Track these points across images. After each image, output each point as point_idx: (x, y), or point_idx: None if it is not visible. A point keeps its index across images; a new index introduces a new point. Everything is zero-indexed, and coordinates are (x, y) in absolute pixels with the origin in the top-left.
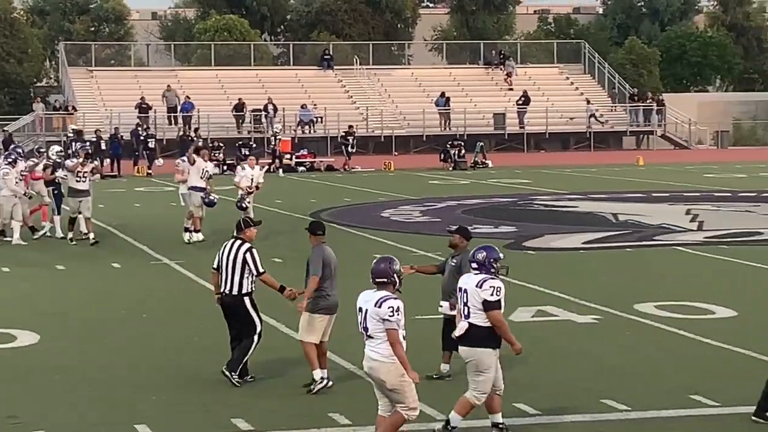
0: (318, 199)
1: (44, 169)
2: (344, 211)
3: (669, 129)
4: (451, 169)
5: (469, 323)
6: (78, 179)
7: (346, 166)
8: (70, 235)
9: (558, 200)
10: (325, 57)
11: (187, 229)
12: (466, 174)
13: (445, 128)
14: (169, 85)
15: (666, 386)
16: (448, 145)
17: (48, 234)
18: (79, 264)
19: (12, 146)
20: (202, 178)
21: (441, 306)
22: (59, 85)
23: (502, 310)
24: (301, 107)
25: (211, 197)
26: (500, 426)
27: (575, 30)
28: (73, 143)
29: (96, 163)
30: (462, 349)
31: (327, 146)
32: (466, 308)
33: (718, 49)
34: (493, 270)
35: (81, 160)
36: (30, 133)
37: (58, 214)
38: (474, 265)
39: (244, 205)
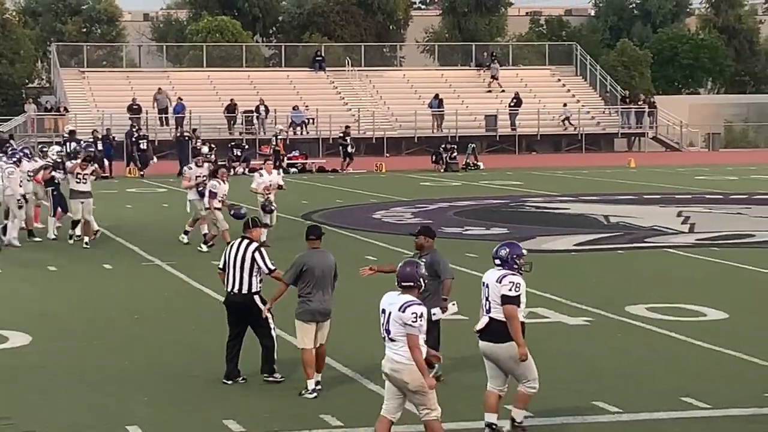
0: (310, 200)
1: (45, 169)
2: (336, 212)
3: (660, 131)
4: (442, 170)
5: (490, 318)
6: (78, 181)
7: (346, 168)
8: (77, 231)
9: (549, 202)
10: (317, 58)
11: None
12: (458, 176)
13: (438, 130)
14: (160, 88)
15: (657, 388)
16: (441, 149)
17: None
18: (71, 265)
19: (20, 147)
20: (221, 202)
21: (434, 314)
22: (51, 86)
23: (522, 308)
24: (293, 108)
25: (240, 210)
26: (493, 427)
27: (567, 32)
28: (68, 144)
29: (95, 165)
30: (485, 345)
31: (318, 148)
32: (487, 303)
33: (710, 52)
34: (516, 266)
35: (79, 161)
36: (22, 134)
37: (54, 215)
38: (497, 261)
39: (271, 208)
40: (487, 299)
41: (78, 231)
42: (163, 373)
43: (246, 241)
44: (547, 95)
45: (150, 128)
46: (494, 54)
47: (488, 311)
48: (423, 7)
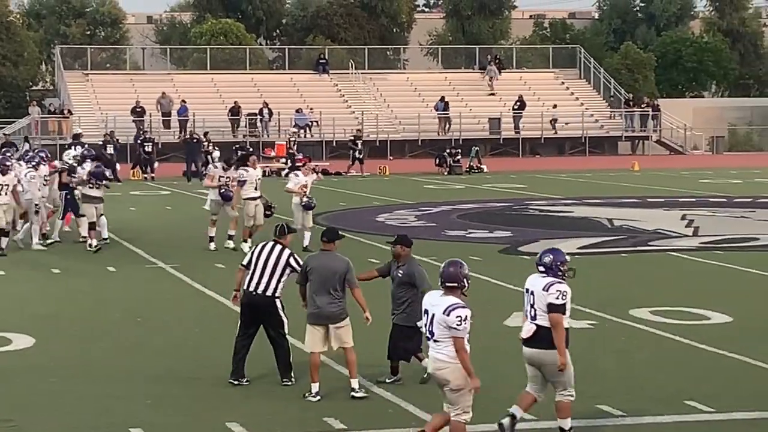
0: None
1: (59, 173)
2: (339, 215)
3: (664, 134)
4: (446, 173)
5: (537, 325)
6: (92, 186)
7: (354, 171)
8: (94, 242)
9: (553, 205)
10: (321, 61)
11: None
12: (462, 179)
13: (444, 132)
14: (164, 92)
15: (661, 392)
16: (446, 154)
17: (58, 239)
18: (75, 268)
19: (36, 150)
20: (256, 189)
21: (393, 315)
22: (55, 88)
23: (567, 315)
24: (296, 111)
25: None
26: (514, 418)
27: (571, 35)
28: (73, 147)
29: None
30: (531, 352)
31: (322, 150)
32: (533, 310)
33: (714, 55)
34: (560, 273)
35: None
36: (26, 136)
37: (62, 218)
38: (541, 268)
39: (312, 204)
40: (532, 306)
41: (105, 233)
42: (167, 375)
43: (279, 246)
44: (550, 98)
45: (153, 131)
46: (498, 57)
47: (534, 318)
48: (426, 9)
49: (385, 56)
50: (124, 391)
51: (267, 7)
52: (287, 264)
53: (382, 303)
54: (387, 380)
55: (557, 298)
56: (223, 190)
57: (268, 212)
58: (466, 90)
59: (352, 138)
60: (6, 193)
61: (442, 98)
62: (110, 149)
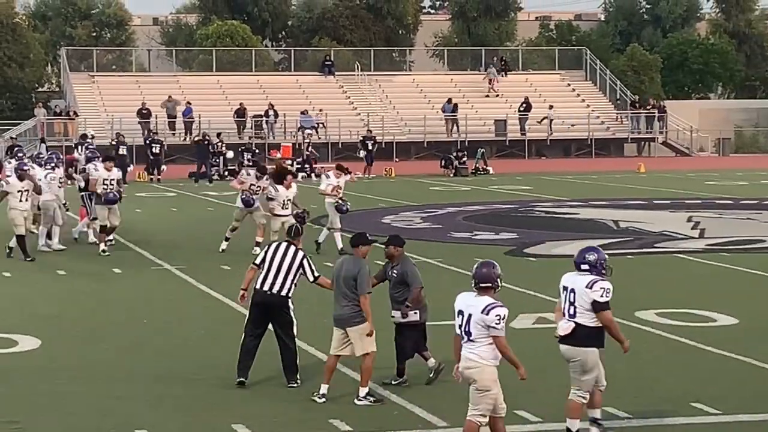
0: (319, 205)
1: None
2: (345, 217)
3: (670, 136)
4: (452, 175)
5: (576, 323)
6: (106, 187)
7: (358, 173)
8: (102, 246)
9: (559, 207)
10: (327, 63)
11: (258, 244)
12: (467, 180)
13: (452, 134)
14: (170, 96)
15: (667, 394)
16: (452, 155)
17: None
18: (80, 269)
19: (50, 152)
20: (283, 208)
21: (393, 316)
22: (61, 90)
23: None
24: (302, 113)
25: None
26: (598, 422)
27: (577, 36)
28: (79, 147)
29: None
30: (566, 349)
31: (328, 152)
32: (572, 308)
33: (720, 56)
34: (603, 272)
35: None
36: (31, 138)
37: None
38: (585, 266)
39: (345, 207)
40: (571, 304)
41: (111, 237)
42: (172, 376)
43: (293, 247)
44: (556, 100)
45: (159, 132)
46: (504, 59)
47: (572, 316)
48: (432, 11)
49: (391, 58)
50: (129, 392)
51: (273, 9)
52: (300, 265)
53: (385, 304)
54: (393, 382)
55: (602, 295)
56: (245, 195)
57: (299, 220)
58: (472, 92)
59: (362, 139)
60: (26, 199)
61: (449, 100)
62: (122, 150)
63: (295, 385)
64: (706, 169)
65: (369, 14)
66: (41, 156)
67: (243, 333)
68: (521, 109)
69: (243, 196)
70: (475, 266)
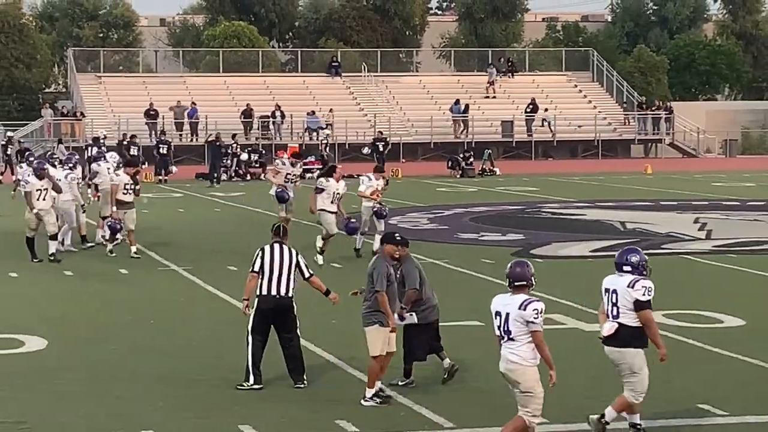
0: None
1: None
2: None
3: (677, 137)
4: (458, 176)
5: (619, 323)
6: (124, 191)
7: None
8: (109, 246)
9: (566, 208)
10: (333, 64)
11: (322, 251)
12: (474, 181)
13: (460, 135)
14: (179, 101)
15: (674, 395)
16: (459, 156)
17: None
18: (87, 270)
19: (68, 153)
20: (332, 202)
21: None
22: (68, 91)
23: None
24: (308, 114)
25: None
26: (638, 427)
27: (584, 38)
28: (89, 148)
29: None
30: (610, 350)
31: (335, 153)
32: (615, 308)
33: (727, 58)
34: (645, 272)
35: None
36: (38, 138)
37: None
38: (627, 267)
39: (384, 212)
40: (614, 305)
41: (119, 237)
42: (179, 377)
43: (285, 247)
44: (563, 101)
45: (167, 134)
46: (511, 60)
47: (616, 317)
48: (439, 12)
49: (398, 59)
50: (137, 393)
51: (280, 10)
52: (297, 264)
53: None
54: (400, 383)
55: (644, 294)
56: (280, 189)
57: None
58: (479, 93)
59: (373, 140)
60: (45, 198)
61: (457, 101)
62: (134, 150)
63: (302, 385)
64: (713, 171)
65: (376, 15)
66: (54, 156)
67: (250, 339)
68: (528, 110)
69: (278, 190)
70: (509, 266)
